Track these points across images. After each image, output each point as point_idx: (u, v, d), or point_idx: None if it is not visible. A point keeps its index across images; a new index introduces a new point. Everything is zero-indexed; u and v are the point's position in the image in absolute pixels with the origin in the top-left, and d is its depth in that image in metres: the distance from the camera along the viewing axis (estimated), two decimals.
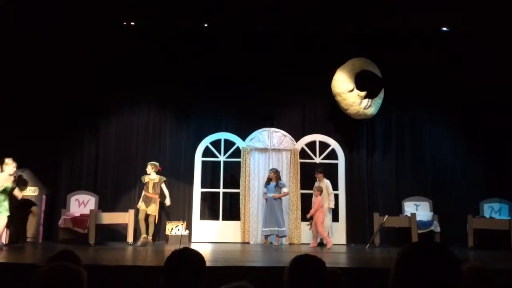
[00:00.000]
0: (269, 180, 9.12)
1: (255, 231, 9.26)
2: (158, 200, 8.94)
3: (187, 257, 2.25)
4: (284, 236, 9.07)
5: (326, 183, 9.13)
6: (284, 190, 9.17)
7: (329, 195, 9.07)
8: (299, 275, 2.31)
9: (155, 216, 8.88)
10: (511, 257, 7.86)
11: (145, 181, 8.97)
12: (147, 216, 8.79)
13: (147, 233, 8.69)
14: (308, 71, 9.74)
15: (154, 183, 8.91)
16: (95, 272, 2.07)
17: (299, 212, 9.38)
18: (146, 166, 9.06)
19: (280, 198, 9.07)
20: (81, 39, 9.35)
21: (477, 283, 2.23)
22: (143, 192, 8.95)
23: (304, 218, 9.29)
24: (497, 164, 9.58)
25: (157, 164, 9.06)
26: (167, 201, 9.03)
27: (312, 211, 8.75)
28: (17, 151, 8.81)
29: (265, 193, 9.20)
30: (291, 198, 9.40)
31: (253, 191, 9.44)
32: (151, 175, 8.97)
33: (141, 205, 8.83)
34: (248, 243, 9.15)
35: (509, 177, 9.30)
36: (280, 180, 9.17)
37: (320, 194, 8.81)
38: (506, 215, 8.99)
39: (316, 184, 9.14)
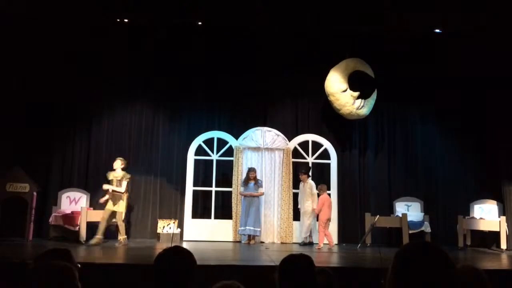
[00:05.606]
0: (248, 180, 9.12)
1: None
2: (125, 196, 8.32)
3: (177, 256, 2.23)
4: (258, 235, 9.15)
5: (310, 184, 9.06)
6: (261, 190, 9.18)
7: (312, 196, 9.01)
8: (289, 274, 2.32)
9: (123, 213, 8.26)
10: (501, 257, 7.94)
11: (110, 178, 8.36)
12: (113, 214, 8.25)
13: (119, 232, 8.20)
14: (301, 71, 9.77)
15: (117, 180, 8.30)
16: (87, 270, 2.06)
17: (291, 211, 9.39)
18: (135, 164, 8.83)
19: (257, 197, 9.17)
20: (71, 36, 9.29)
21: (468, 283, 2.24)
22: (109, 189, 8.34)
23: (295, 218, 9.33)
24: (488, 166, 9.64)
25: (125, 160, 8.59)
26: (110, 187, 8.26)
27: (317, 209, 8.71)
28: (8, 147, 8.78)
29: (243, 193, 9.19)
30: (283, 197, 9.41)
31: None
32: (117, 171, 8.41)
33: (107, 203, 8.23)
34: (239, 242, 9.15)
35: (500, 178, 9.37)
36: (259, 179, 9.22)
37: (325, 192, 8.82)
38: (496, 216, 9.06)
39: (301, 185, 9.17)
